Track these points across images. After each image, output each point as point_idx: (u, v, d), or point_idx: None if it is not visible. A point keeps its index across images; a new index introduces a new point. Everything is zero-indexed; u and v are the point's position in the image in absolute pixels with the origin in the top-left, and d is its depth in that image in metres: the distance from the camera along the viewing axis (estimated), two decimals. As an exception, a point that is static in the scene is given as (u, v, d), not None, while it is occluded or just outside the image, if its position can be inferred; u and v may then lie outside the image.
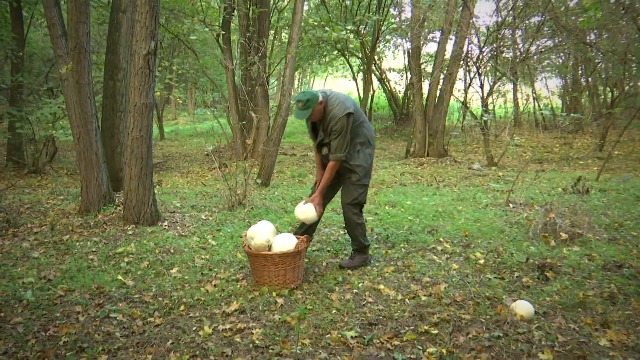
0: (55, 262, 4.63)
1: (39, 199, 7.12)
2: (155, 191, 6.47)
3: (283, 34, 17.21)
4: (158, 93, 15.46)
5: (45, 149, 10.62)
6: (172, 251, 4.96)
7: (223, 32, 11.40)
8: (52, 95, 10.71)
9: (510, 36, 12.61)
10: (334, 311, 3.59)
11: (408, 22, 14.83)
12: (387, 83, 19.53)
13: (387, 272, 4.34)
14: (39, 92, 11.48)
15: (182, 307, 3.68)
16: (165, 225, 5.81)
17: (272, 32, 15.24)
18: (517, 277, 4.14)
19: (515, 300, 3.56)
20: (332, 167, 4.25)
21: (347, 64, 19.84)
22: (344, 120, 4.13)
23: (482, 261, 4.51)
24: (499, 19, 11.90)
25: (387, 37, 18.82)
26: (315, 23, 11.01)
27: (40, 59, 13.06)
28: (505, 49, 12.46)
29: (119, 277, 4.26)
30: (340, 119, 4.12)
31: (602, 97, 16.99)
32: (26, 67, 11.74)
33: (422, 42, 13.68)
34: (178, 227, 5.78)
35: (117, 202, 6.46)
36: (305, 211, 4.31)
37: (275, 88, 22.97)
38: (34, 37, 12.98)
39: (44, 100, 10.11)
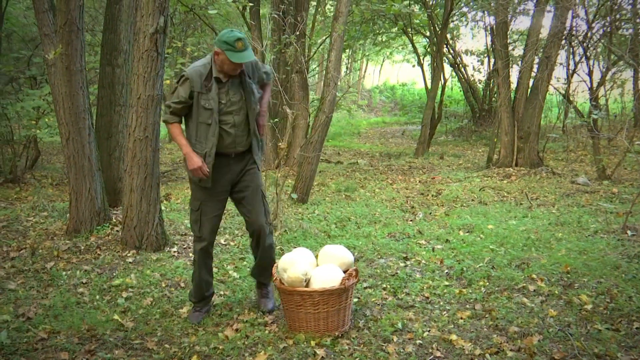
0: (37, 296, 4.77)
1: (17, 215, 7.33)
2: (163, 207, 6.60)
3: (328, 7, 17.36)
4: (167, 82, 15.78)
5: (25, 153, 10.89)
6: (182, 285, 5.05)
7: (251, 4, 11.55)
8: (35, 85, 11.01)
9: (630, 6, 12.36)
10: (390, 368, 3.58)
11: (491, -10, 14.73)
12: (463, 70, 19.39)
13: (461, 318, 4.31)
14: (19, 81, 11.82)
15: (194, 358, 3.73)
16: (175, 252, 5.92)
17: (313, 3, 15.40)
18: (637, 328, 4.05)
19: (634, 360, 3.48)
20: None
21: (410, 45, 19.80)
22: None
23: (589, 306, 4.42)
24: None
25: (464, 9, 18.72)
26: (370, -9, 11.06)
27: (21, 39, 13.43)
28: (623, 23, 12.19)
29: (116, 316, 4.35)
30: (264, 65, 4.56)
31: None
32: (3, 49, 12.12)
33: (510, 16, 13.53)
34: (190, 254, 5.87)
35: (114, 220, 6.61)
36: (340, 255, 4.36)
37: (317, 76, 23.13)
38: (14, 11, 13.35)
39: (26, 91, 10.35)
